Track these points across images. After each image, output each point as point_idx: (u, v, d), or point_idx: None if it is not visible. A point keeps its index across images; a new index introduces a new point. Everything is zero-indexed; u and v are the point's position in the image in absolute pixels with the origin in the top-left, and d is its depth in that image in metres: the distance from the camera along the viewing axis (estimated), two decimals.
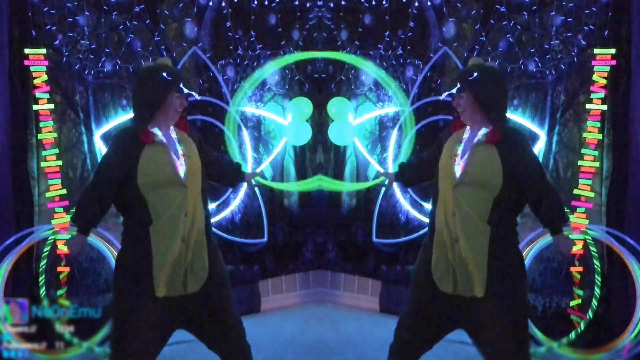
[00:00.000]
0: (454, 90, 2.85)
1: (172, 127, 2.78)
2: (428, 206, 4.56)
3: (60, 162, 3.96)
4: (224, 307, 2.97)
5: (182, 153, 2.74)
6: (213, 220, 4.54)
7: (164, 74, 2.73)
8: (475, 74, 2.77)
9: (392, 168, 4.63)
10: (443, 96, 3.02)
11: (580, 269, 3.98)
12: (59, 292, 3.92)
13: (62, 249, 3.95)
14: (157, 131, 2.71)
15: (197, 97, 3.10)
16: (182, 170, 2.70)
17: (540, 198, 2.78)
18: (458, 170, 2.77)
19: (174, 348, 4.00)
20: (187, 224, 2.69)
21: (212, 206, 4.55)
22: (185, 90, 2.79)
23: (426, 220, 4.55)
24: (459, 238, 2.76)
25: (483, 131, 2.79)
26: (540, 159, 4.17)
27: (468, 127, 2.84)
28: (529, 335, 2.86)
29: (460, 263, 2.76)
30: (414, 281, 3.01)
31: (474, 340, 2.88)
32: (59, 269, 3.95)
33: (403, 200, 4.65)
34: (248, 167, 4.63)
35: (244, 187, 4.64)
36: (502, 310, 2.74)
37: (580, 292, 3.98)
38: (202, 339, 2.98)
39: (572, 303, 3.98)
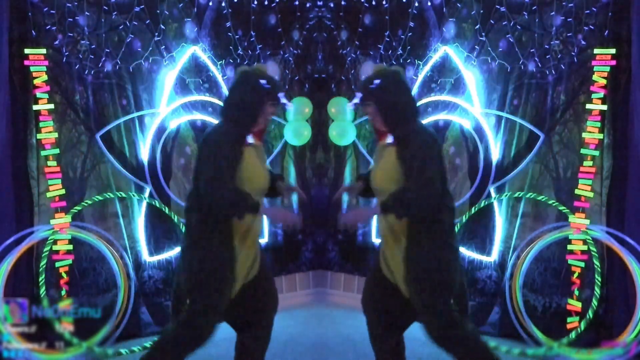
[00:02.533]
0: (357, 100, 2.91)
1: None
2: None
3: (57, 162, 3.96)
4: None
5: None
6: None
7: (262, 82, 2.80)
8: (375, 82, 2.79)
9: None
10: (350, 105, 3.05)
11: (579, 269, 3.99)
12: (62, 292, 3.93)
13: (62, 249, 3.95)
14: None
15: (288, 103, 3.19)
16: None
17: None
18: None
19: None
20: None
21: None
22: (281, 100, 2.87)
23: None
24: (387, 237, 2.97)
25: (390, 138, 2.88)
26: (540, 159, 4.19)
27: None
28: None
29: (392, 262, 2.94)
30: None
31: None
32: (61, 270, 3.95)
33: None
34: None
35: None
36: None
37: (577, 293, 3.98)
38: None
39: (571, 302, 3.98)
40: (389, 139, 2.88)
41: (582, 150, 3.99)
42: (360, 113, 2.97)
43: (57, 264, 3.94)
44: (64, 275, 3.95)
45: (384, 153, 2.90)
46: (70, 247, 3.97)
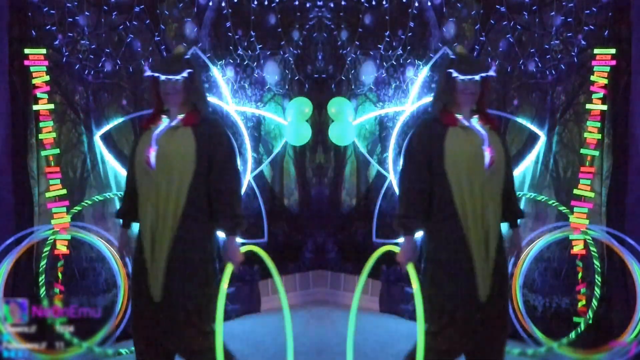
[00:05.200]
0: (481, 74, 2.86)
1: None
2: None
3: (57, 162, 3.96)
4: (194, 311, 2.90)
5: None
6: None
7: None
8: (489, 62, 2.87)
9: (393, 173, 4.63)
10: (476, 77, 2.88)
11: (581, 269, 3.99)
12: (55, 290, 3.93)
13: (61, 249, 3.95)
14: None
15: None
16: None
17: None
18: (487, 158, 2.79)
19: None
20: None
21: None
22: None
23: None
24: (489, 235, 2.82)
25: (475, 118, 2.88)
26: (540, 159, 4.19)
27: (461, 117, 2.87)
28: None
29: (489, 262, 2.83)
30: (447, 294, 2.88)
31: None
32: (59, 270, 3.95)
33: None
34: (248, 168, 4.63)
35: (243, 188, 4.64)
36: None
37: (583, 290, 3.98)
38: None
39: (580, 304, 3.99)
40: (475, 120, 2.89)
41: (582, 150, 3.99)
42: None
43: (58, 264, 3.95)
44: (60, 275, 3.95)
45: (490, 136, 2.85)
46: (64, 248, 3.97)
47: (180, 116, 2.90)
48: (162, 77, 2.85)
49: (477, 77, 2.84)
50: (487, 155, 2.80)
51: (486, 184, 2.81)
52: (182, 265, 2.84)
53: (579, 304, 3.98)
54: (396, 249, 2.97)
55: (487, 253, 2.81)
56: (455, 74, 2.84)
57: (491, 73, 2.88)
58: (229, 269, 2.88)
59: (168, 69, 2.88)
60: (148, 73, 2.91)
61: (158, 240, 2.83)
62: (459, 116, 2.88)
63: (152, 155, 2.83)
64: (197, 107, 2.93)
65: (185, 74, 2.86)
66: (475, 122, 2.88)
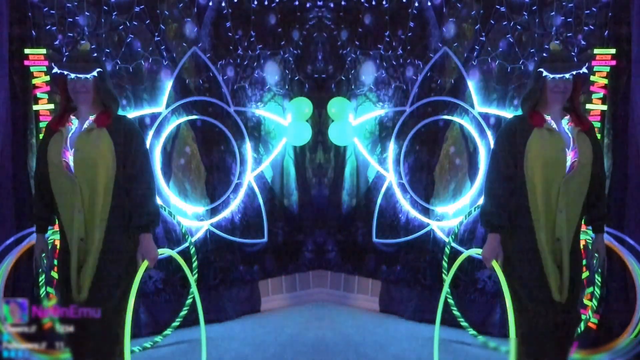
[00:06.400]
0: (571, 72, 2.81)
1: None
2: (428, 206, 4.57)
3: None
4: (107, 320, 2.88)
5: None
6: (213, 220, 4.54)
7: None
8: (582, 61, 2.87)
9: (393, 173, 4.63)
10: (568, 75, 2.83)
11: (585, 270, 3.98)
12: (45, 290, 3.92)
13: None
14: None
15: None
16: None
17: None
18: (569, 161, 2.78)
19: (174, 348, 4.00)
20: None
21: (209, 207, 4.55)
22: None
23: (427, 220, 4.56)
24: (562, 238, 2.79)
25: (566, 120, 2.85)
26: None
27: (547, 116, 2.85)
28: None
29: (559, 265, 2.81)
30: (526, 294, 2.87)
31: None
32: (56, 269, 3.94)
33: (403, 200, 4.64)
34: (248, 167, 4.63)
35: (243, 188, 4.64)
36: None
37: (589, 290, 3.97)
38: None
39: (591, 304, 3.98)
40: (565, 122, 2.85)
41: None
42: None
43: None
44: (54, 275, 3.95)
45: (578, 137, 2.81)
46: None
47: (92, 117, 2.85)
48: (72, 76, 2.79)
49: (567, 76, 2.80)
50: (569, 159, 2.78)
51: (565, 189, 2.78)
52: (108, 275, 2.84)
53: (588, 304, 3.97)
54: (478, 251, 3.02)
55: (561, 260, 2.79)
56: (545, 73, 2.82)
57: (584, 70, 2.83)
58: (144, 265, 2.86)
59: (77, 67, 2.81)
60: (55, 70, 2.84)
61: (86, 250, 2.82)
62: (548, 117, 2.85)
63: (70, 159, 2.79)
64: (108, 107, 2.88)
65: (95, 73, 2.81)
66: (565, 123, 2.85)
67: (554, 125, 2.84)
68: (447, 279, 3.28)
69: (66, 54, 4.00)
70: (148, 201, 2.89)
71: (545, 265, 2.79)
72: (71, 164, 2.78)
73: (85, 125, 2.84)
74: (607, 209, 3.05)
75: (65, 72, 2.80)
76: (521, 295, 2.84)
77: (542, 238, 2.80)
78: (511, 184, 2.85)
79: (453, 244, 4.26)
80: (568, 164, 2.78)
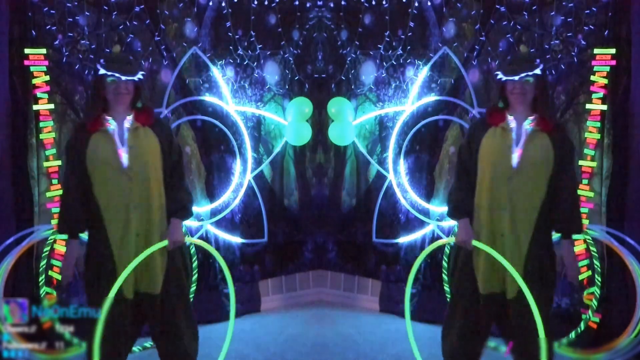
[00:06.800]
0: (521, 75, 2.80)
1: None
2: (428, 206, 4.57)
3: (60, 162, 3.96)
4: (175, 313, 3.02)
5: None
6: (213, 220, 4.54)
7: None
8: (537, 61, 2.83)
9: (392, 170, 4.63)
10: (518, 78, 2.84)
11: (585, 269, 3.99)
12: (46, 290, 3.92)
13: (61, 249, 3.94)
14: None
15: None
16: None
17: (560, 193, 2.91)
18: (514, 159, 2.80)
19: None
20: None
21: (209, 207, 4.55)
22: None
23: (427, 220, 4.56)
24: (506, 235, 2.85)
25: (528, 120, 2.85)
26: None
27: (510, 116, 2.87)
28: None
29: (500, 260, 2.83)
30: (457, 284, 3.07)
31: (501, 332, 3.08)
32: (55, 269, 3.95)
33: (403, 200, 4.64)
34: (248, 167, 4.63)
35: (243, 188, 4.64)
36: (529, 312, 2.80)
37: (590, 291, 3.98)
38: (155, 343, 3.13)
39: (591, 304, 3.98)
40: (530, 122, 2.87)
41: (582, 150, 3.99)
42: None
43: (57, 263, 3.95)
44: (53, 275, 3.95)
45: (531, 138, 2.84)
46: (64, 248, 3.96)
47: (129, 116, 2.92)
48: (123, 78, 2.84)
49: (516, 78, 2.82)
50: (515, 157, 2.79)
51: (510, 187, 2.82)
52: (175, 266, 3.01)
53: (589, 303, 3.96)
54: (451, 240, 3.18)
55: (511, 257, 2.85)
56: (500, 75, 2.85)
57: (537, 72, 2.83)
58: (162, 243, 2.93)
59: (124, 69, 2.86)
60: (102, 72, 2.87)
61: (144, 246, 2.89)
62: (511, 117, 2.88)
63: (124, 156, 2.86)
64: (146, 107, 3.00)
65: (140, 75, 2.90)
66: (527, 124, 2.87)
67: (512, 125, 2.87)
68: (414, 268, 3.28)
69: (66, 53, 4.01)
70: (180, 189, 3.05)
71: (477, 259, 2.90)
72: (125, 161, 2.85)
73: (126, 125, 2.91)
74: (576, 213, 2.99)
75: (114, 74, 2.84)
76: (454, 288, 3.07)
77: (483, 233, 2.89)
78: (472, 177, 2.97)
79: (453, 244, 4.25)
80: (514, 162, 2.80)
